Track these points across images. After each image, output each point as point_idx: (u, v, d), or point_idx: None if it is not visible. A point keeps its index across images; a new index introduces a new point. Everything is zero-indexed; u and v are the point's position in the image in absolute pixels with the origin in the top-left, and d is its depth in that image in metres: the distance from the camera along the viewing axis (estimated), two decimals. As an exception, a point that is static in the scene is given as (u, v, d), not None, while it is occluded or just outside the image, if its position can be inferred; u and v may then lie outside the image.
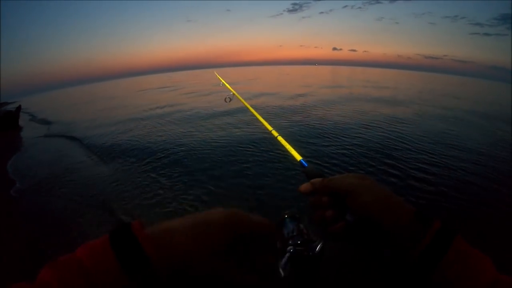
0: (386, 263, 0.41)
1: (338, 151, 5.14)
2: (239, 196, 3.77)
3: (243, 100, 1.02)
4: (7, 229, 3.58)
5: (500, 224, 3.23)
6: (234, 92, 1.17)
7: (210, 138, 6.33)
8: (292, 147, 0.56)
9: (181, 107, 11.65)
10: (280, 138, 0.62)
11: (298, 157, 0.53)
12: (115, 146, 6.70)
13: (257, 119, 0.77)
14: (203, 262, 0.29)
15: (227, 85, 1.38)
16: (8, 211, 4.19)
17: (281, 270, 0.36)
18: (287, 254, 0.38)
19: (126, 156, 5.84)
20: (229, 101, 1.20)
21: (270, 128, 0.69)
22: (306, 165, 0.51)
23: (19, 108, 13.75)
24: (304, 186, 0.46)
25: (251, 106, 0.88)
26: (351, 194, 0.40)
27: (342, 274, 2.21)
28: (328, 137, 5.95)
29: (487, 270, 0.32)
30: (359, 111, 9.19)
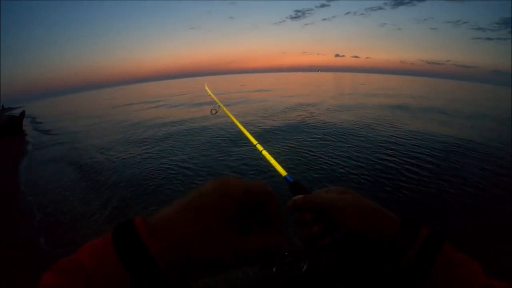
0: (375, 274, 0.41)
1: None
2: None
3: (228, 112, 1.02)
4: (14, 235, 3.59)
5: (491, 227, 3.27)
6: (220, 103, 1.18)
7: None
8: (277, 162, 0.56)
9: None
10: (265, 153, 0.62)
11: (284, 172, 0.53)
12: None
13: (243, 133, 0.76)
14: (204, 239, 0.28)
15: (213, 96, 1.39)
16: (12, 212, 4.25)
17: None
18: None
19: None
20: (215, 113, 1.21)
21: (255, 142, 0.68)
22: (291, 180, 0.50)
23: (22, 114, 13.72)
24: (288, 204, 0.45)
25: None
26: (331, 208, 0.40)
27: None
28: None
29: (476, 276, 0.33)
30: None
